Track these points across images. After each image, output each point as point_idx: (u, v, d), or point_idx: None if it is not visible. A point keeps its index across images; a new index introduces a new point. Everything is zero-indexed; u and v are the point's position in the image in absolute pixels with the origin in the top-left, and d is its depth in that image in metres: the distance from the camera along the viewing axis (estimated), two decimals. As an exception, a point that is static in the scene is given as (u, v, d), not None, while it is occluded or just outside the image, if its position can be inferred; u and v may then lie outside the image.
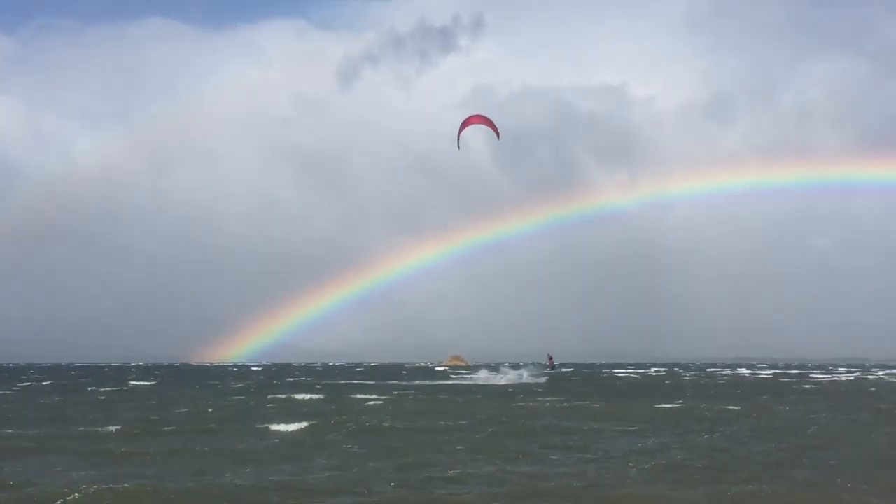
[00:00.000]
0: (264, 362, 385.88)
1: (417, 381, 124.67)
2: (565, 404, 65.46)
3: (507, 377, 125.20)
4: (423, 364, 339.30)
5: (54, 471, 30.25)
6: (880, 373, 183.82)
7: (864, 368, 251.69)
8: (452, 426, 45.44)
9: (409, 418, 50.55)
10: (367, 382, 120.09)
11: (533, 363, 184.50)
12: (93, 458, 33.55)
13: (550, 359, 50.79)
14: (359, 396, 77.71)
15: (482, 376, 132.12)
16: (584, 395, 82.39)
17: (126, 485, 26.43)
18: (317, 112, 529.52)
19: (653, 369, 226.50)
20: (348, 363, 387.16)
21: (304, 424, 45.78)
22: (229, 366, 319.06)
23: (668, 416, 52.63)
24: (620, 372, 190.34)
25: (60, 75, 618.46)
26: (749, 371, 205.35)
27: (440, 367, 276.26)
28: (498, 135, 43.74)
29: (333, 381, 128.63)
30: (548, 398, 74.13)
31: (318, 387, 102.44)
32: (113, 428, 44.44)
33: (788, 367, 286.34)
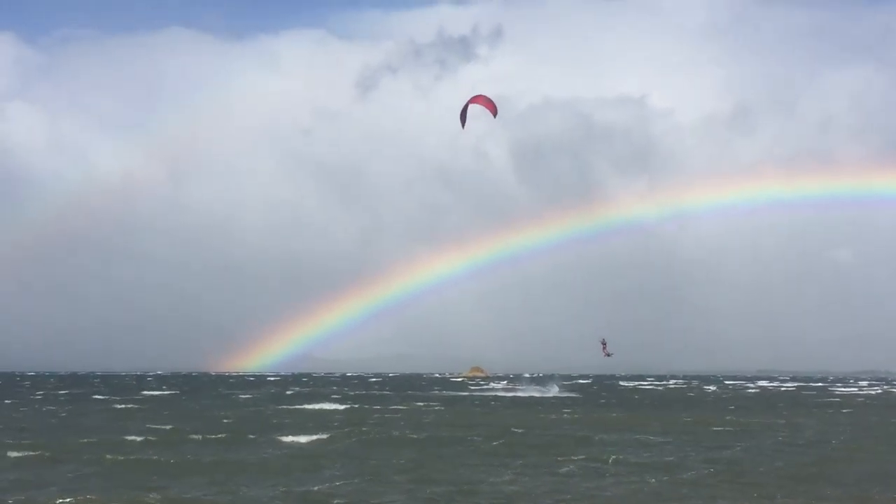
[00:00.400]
0: (283, 372, 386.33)
1: (436, 392, 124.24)
2: (584, 416, 64.88)
3: (526, 389, 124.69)
4: (442, 375, 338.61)
5: (68, 479, 30.05)
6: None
7: (887, 381, 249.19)
8: (470, 438, 44.98)
9: (427, 429, 50.13)
10: (385, 393, 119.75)
11: (553, 378, 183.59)
12: (110, 467, 33.38)
13: (605, 344, 50.86)
14: (376, 407, 77.35)
15: (502, 387, 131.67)
16: (603, 407, 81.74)
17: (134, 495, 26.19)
18: (336, 122, 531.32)
19: (672, 382, 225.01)
20: (367, 374, 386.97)
21: (318, 436, 45.45)
22: (248, 375, 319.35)
23: (688, 430, 51.98)
24: (643, 384, 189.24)
25: (82, 85, 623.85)
26: (770, 384, 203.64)
27: (460, 377, 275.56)
28: (495, 114, 43.48)
29: (351, 391, 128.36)
30: (566, 410, 73.56)
31: (334, 397, 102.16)
32: (130, 438, 44.28)
33: (810, 379, 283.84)
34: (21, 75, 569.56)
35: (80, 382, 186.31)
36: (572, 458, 36.48)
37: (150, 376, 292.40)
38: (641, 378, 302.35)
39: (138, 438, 44.14)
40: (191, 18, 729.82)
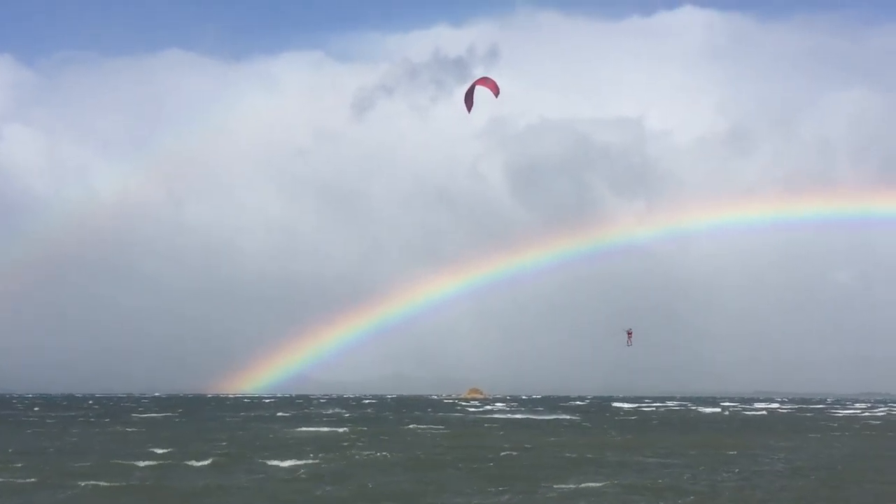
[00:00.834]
0: (280, 394, 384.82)
1: (431, 414, 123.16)
2: (580, 439, 64.03)
3: (523, 411, 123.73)
4: (440, 397, 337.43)
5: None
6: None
7: (886, 404, 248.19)
8: (462, 460, 44.18)
9: (418, 452, 49.28)
10: (379, 415, 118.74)
11: (551, 399, 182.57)
12: (103, 492, 32.56)
13: (630, 334, 50.78)
14: (368, 430, 76.45)
15: (499, 409, 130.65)
16: (600, 430, 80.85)
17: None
18: (334, 143, 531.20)
19: (671, 403, 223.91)
20: (365, 395, 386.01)
21: (309, 460, 44.69)
22: (245, 397, 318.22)
23: (688, 453, 51.10)
24: (642, 406, 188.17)
25: (81, 107, 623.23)
26: (769, 405, 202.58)
27: (459, 399, 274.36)
28: (497, 94, 43.13)
29: (346, 413, 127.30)
30: (562, 433, 72.70)
31: (327, 420, 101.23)
32: (124, 462, 43.45)
33: (809, 401, 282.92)
34: (20, 97, 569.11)
35: (75, 405, 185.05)
36: (567, 481, 35.69)
37: (146, 398, 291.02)
38: (640, 400, 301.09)
39: (132, 463, 43.29)
40: (190, 41, 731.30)
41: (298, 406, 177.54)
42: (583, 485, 35.16)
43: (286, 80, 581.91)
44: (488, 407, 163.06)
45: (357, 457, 46.27)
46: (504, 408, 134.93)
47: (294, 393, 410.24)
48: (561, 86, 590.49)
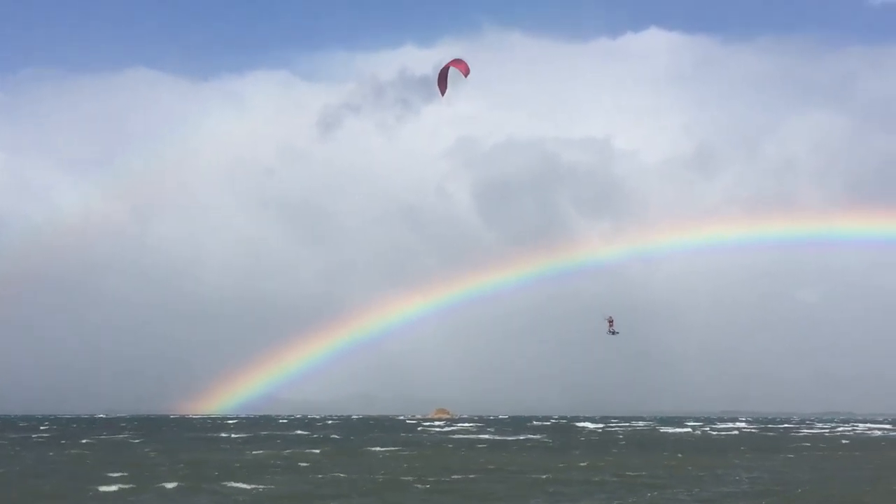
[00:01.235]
0: (246, 415, 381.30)
1: (393, 435, 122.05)
2: (543, 459, 63.42)
3: (487, 432, 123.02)
4: (407, 417, 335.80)
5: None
6: (864, 427, 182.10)
7: (849, 422, 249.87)
8: (417, 482, 43.49)
9: (375, 473, 48.47)
10: (342, 437, 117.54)
11: (518, 420, 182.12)
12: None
13: (611, 321, 50.27)
14: (328, 451, 75.48)
15: (463, 430, 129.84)
16: (564, 450, 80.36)
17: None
18: (300, 162, 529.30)
19: (640, 423, 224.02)
20: (332, 415, 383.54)
21: (269, 484, 43.83)
22: (208, 418, 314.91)
23: (650, 473, 50.64)
24: (610, 426, 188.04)
25: (46, 124, 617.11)
26: (735, 424, 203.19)
27: (425, 419, 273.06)
28: (467, 74, 42.67)
29: (309, 434, 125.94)
30: (524, 454, 72.09)
31: (284, 442, 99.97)
32: (81, 486, 42.32)
33: (774, 420, 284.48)
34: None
35: (34, 426, 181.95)
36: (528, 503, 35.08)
37: (106, 417, 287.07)
38: (607, 420, 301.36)
39: (92, 486, 42.25)
40: (156, 59, 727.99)
41: (261, 427, 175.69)
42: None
43: (253, 98, 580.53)
44: (453, 427, 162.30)
45: (318, 478, 45.48)
46: (470, 428, 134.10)
47: (261, 413, 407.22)
48: (528, 106, 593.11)
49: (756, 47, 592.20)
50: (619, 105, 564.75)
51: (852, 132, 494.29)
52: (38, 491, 40.57)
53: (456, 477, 47.53)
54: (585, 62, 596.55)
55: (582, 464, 59.74)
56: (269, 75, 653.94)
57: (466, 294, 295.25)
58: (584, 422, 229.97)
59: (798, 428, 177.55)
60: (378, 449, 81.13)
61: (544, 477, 47.69)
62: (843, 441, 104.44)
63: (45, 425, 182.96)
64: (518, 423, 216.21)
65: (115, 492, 41.33)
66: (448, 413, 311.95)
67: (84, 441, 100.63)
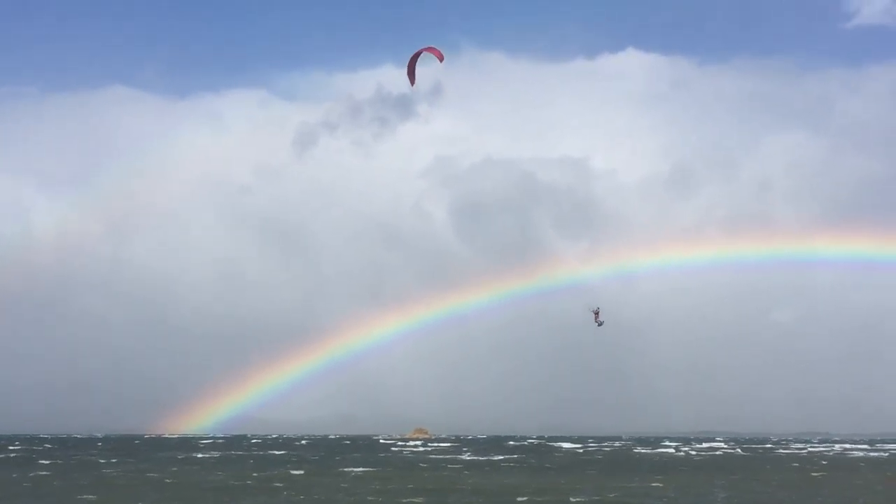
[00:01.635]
0: (221, 435, 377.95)
1: (366, 455, 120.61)
2: (515, 480, 62.38)
3: (462, 451, 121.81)
4: (383, 436, 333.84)
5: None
6: (841, 447, 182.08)
7: (827, 443, 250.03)
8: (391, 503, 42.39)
9: (343, 495, 47.32)
10: (319, 456, 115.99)
11: (496, 440, 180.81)
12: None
13: (597, 313, 50.26)
14: (307, 472, 74.13)
15: (442, 449, 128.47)
16: (542, 470, 79.32)
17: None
18: (276, 180, 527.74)
19: (618, 443, 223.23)
20: (309, 435, 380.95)
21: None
22: (183, 438, 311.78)
23: (626, 495, 49.70)
24: (589, 446, 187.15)
25: (19, 142, 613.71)
26: (713, 444, 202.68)
27: (402, 439, 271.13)
28: (441, 59, 41.67)
29: (282, 454, 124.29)
30: (496, 475, 71.02)
31: (259, 461, 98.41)
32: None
33: (751, 440, 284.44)
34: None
35: (1, 446, 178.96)
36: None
37: (80, 437, 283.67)
38: (584, 440, 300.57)
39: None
40: (133, 77, 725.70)
41: (234, 447, 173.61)
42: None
43: (230, 117, 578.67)
44: (429, 447, 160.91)
45: (288, 500, 44.25)
46: (447, 447, 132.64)
47: (237, 433, 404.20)
48: (506, 125, 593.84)
49: (733, 68, 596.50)
50: (597, 125, 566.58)
51: (829, 154, 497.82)
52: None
53: (427, 498, 46.39)
54: (563, 82, 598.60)
55: (559, 485, 58.78)
56: (247, 94, 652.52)
57: (445, 313, 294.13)
58: (561, 441, 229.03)
59: (776, 448, 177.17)
60: (350, 469, 79.80)
61: (523, 500, 46.69)
62: (823, 462, 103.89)
63: (17, 444, 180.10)
64: (496, 442, 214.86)
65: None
66: (426, 433, 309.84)
67: (47, 462, 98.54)
